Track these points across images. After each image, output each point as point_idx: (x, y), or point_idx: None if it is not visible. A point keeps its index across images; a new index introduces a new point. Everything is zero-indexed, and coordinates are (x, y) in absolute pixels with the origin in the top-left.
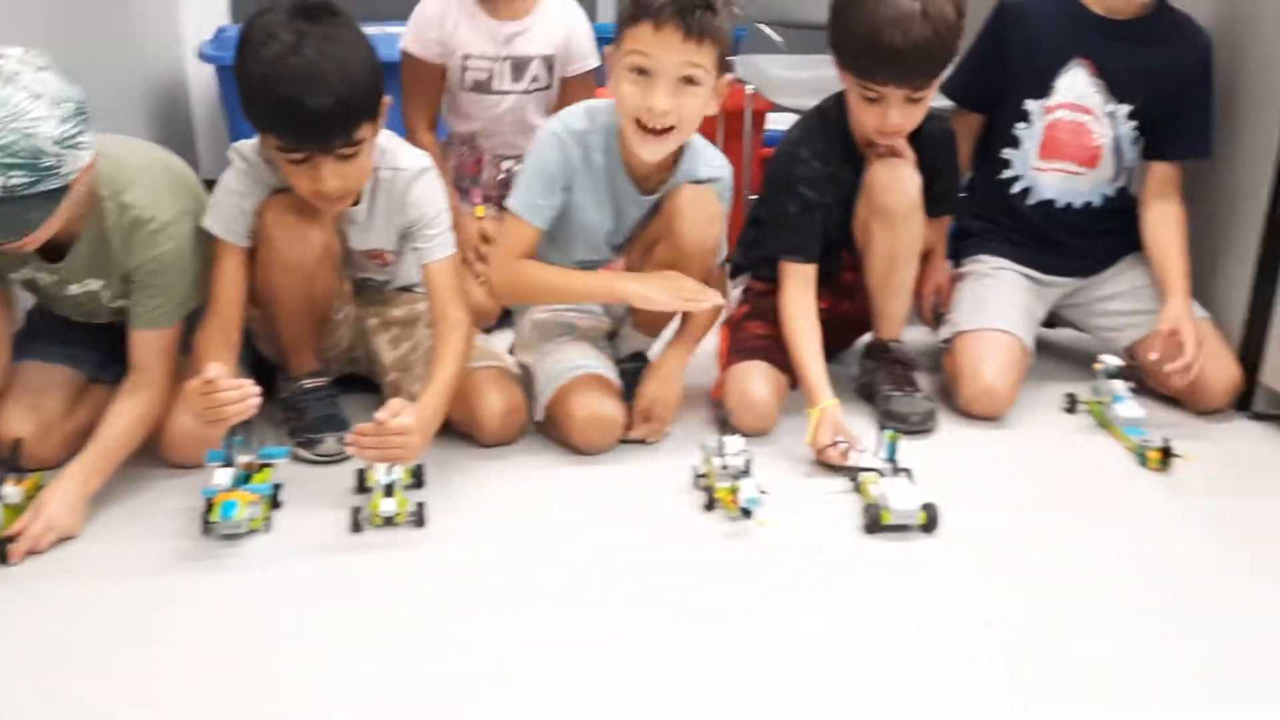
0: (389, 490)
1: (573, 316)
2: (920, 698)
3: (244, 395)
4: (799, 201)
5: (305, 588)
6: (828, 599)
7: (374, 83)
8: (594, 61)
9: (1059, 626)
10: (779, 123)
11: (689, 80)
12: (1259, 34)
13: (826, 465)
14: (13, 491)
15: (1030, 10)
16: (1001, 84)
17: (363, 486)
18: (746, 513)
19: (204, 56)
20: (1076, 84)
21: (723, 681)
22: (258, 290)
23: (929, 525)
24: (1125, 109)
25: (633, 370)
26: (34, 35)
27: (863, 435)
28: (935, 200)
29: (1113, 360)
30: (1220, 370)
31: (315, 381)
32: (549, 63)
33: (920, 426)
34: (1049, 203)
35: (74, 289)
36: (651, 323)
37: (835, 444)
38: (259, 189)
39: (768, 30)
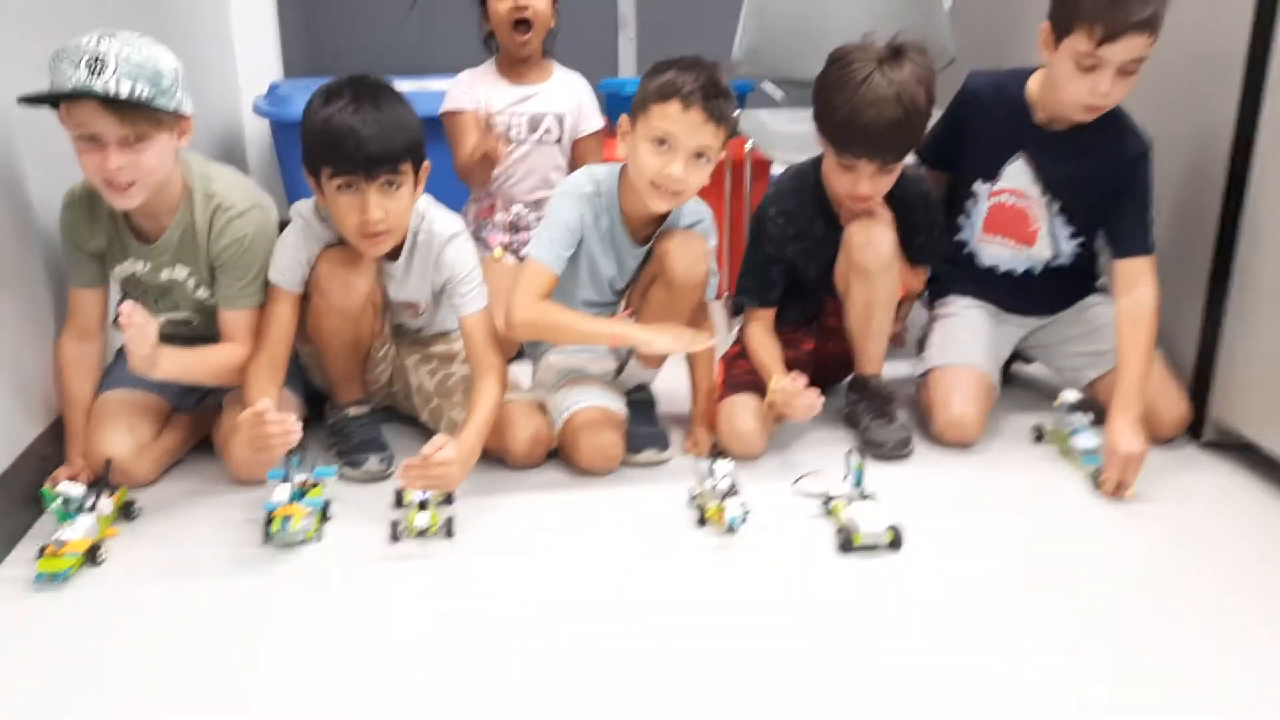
0: (423, 505)
1: (583, 358)
2: (896, 704)
3: (286, 430)
4: (762, 254)
5: (351, 589)
6: (812, 610)
7: (416, 138)
8: (600, 124)
9: (1014, 638)
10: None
11: (700, 154)
12: (1198, 51)
13: (803, 494)
14: (105, 504)
15: (987, 101)
16: (958, 156)
17: (400, 502)
18: (731, 529)
19: (258, 110)
20: (1019, 175)
21: (712, 680)
22: (310, 330)
23: (895, 544)
24: (1057, 204)
25: (639, 400)
26: None
27: (835, 463)
28: (919, 250)
29: (1071, 395)
30: (1170, 404)
31: (359, 410)
32: (560, 119)
33: (896, 452)
34: (993, 268)
35: (164, 275)
36: (652, 359)
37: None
38: (314, 244)
39: (768, 87)
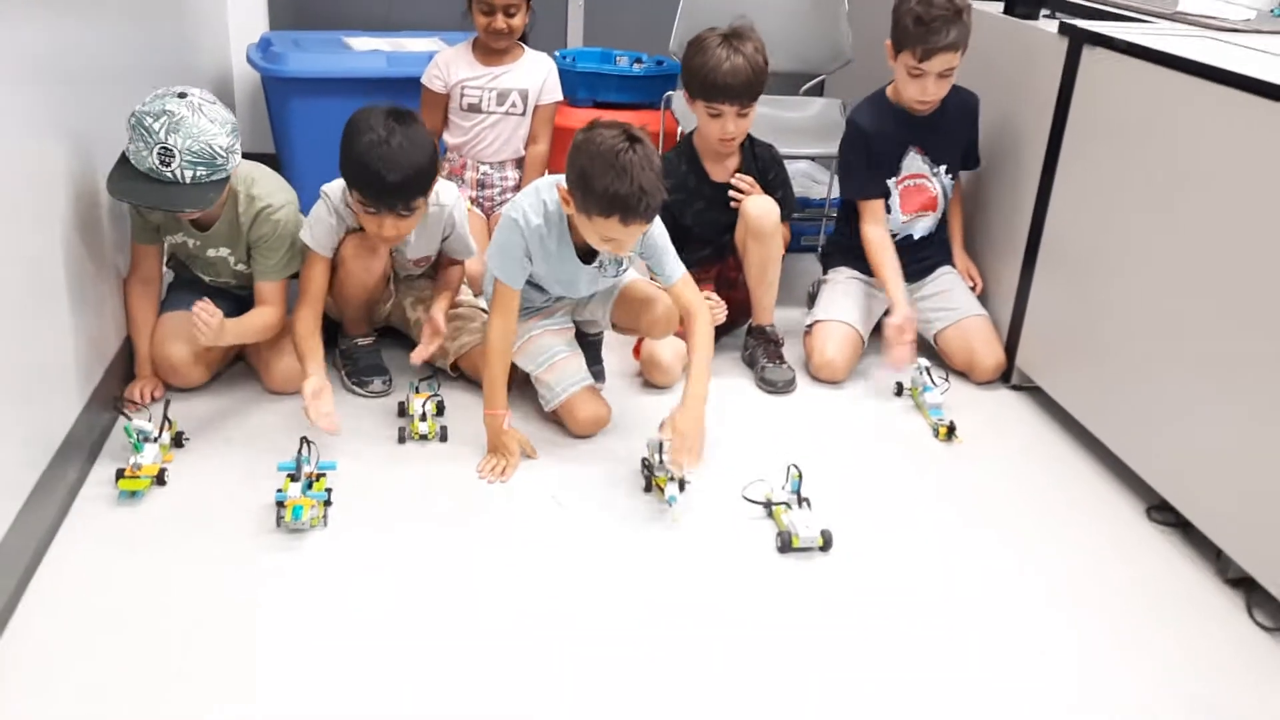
0: (424, 416)
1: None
2: (831, 667)
3: (329, 418)
4: None
5: (352, 568)
6: (753, 597)
7: (431, 170)
8: (559, 98)
9: (868, 543)
10: None
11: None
12: (1026, 90)
13: (749, 500)
14: (165, 436)
15: (875, 124)
16: (869, 173)
17: (404, 412)
18: (670, 504)
19: (252, 63)
20: (914, 162)
21: (652, 639)
22: (335, 292)
23: (826, 546)
24: (944, 168)
25: (593, 340)
26: (98, 34)
27: (771, 472)
28: (779, 205)
29: (925, 361)
30: (989, 353)
31: (366, 340)
32: (524, 95)
33: (785, 389)
34: (910, 236)
35: (211, 253)
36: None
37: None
38: (341, 224)
39: None
